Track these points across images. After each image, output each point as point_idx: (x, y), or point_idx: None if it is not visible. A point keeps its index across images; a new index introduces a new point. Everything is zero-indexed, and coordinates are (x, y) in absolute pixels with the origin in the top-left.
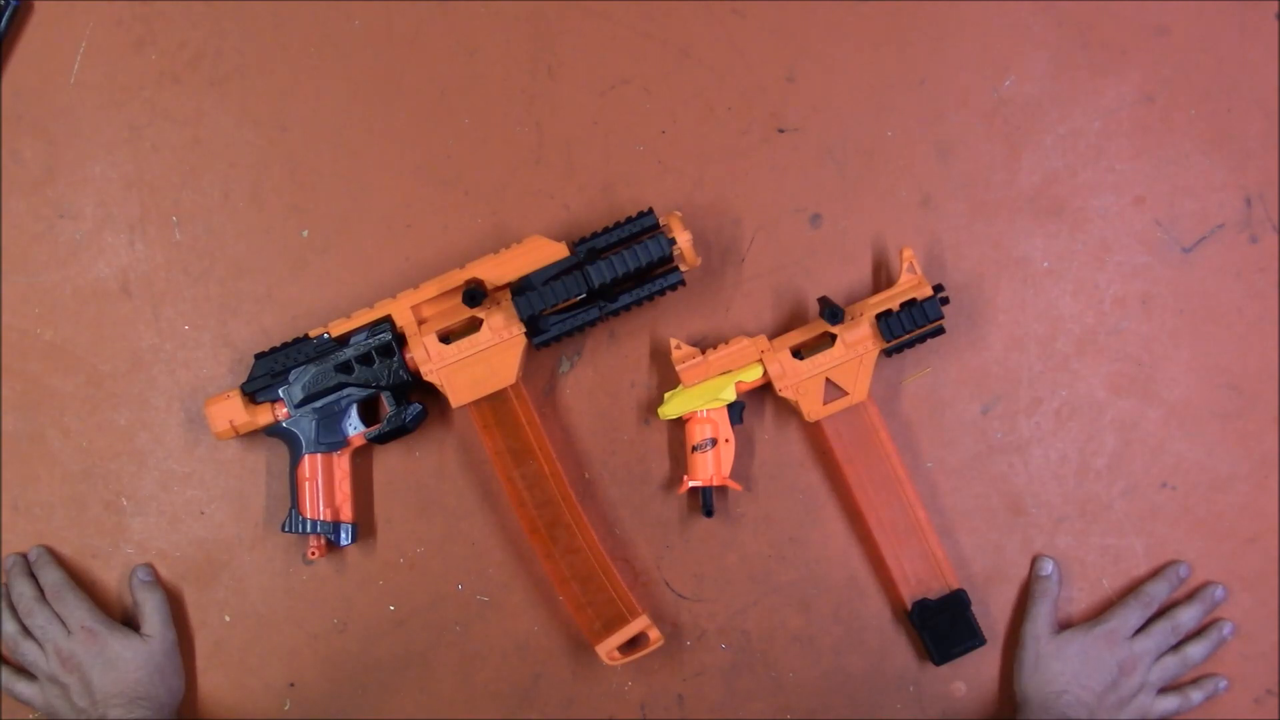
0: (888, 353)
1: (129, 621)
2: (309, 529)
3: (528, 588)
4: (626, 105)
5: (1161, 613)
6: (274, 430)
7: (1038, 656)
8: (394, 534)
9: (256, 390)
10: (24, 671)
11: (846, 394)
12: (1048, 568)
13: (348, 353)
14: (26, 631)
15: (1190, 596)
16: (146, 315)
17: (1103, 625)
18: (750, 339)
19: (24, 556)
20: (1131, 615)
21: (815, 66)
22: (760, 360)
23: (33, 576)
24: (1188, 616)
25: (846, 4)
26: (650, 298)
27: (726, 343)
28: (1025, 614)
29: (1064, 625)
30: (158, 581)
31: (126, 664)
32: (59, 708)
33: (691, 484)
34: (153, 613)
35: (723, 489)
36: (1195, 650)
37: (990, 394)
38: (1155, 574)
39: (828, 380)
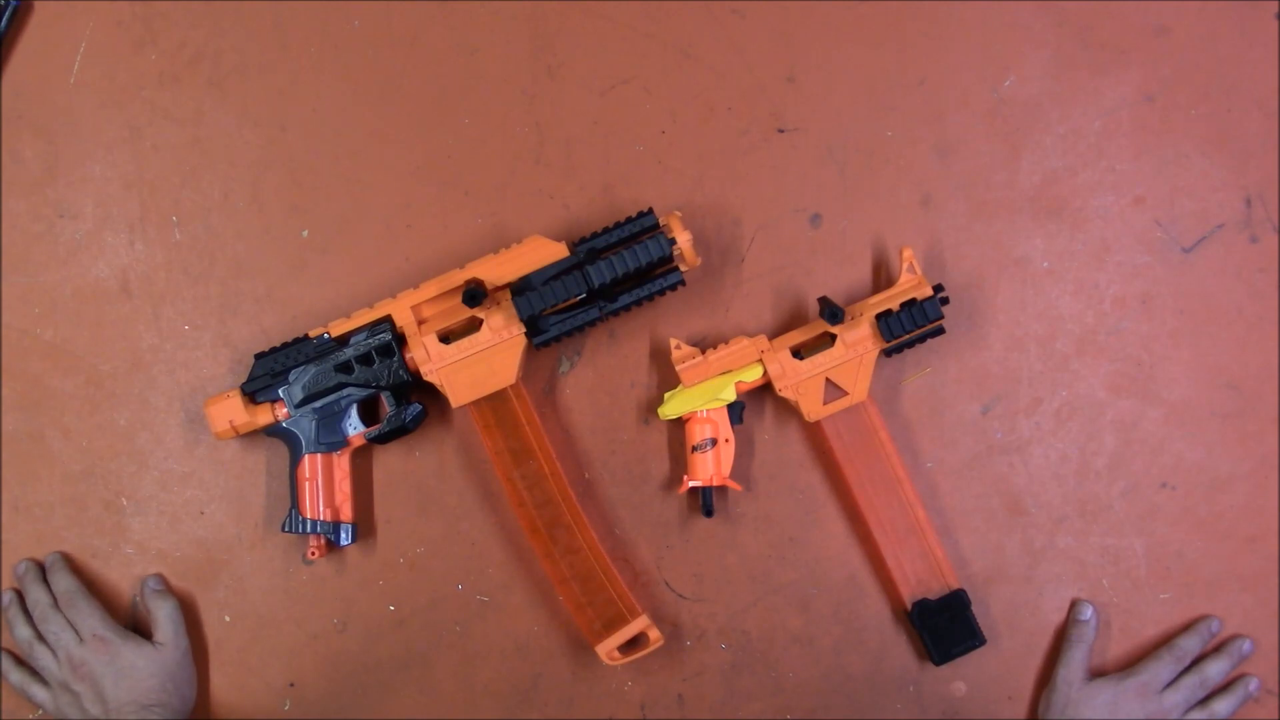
0: (888, 353)
1: (139, 628)
2: (309, 529)
3: (528, 588)
4: (626, 105)
5: (1190, 666)
6: (274, 430)
7: (1068, 701)
8: (394, 534)
9: (256, 390)
10: (38, 675)
11: (846, 394)
12: (1087, 613)
13: (348, 353)
14: (40, 637)
15: (1218, 650)
16: (146, 315)
17: (1135, 678)
18: (750, 339)
19: (37, 562)
20: (1163, 669)
21: (815, 66)
22: (760, 360)
23: (46, 582)
24: (1215, 670)
25: (846, 4)
26: (650, 298)
27: (726, 343)
28: (1059, 657)
29: (1095, 671)
30: (169, 590)
31: (139, 672)
32: (71, 714)
33: (691, 484)
34: (165, 621)
35: (723, 489)
36: (1222, 705)
37: (990, 394)
38: (1188, 628)
39: (828, 380)
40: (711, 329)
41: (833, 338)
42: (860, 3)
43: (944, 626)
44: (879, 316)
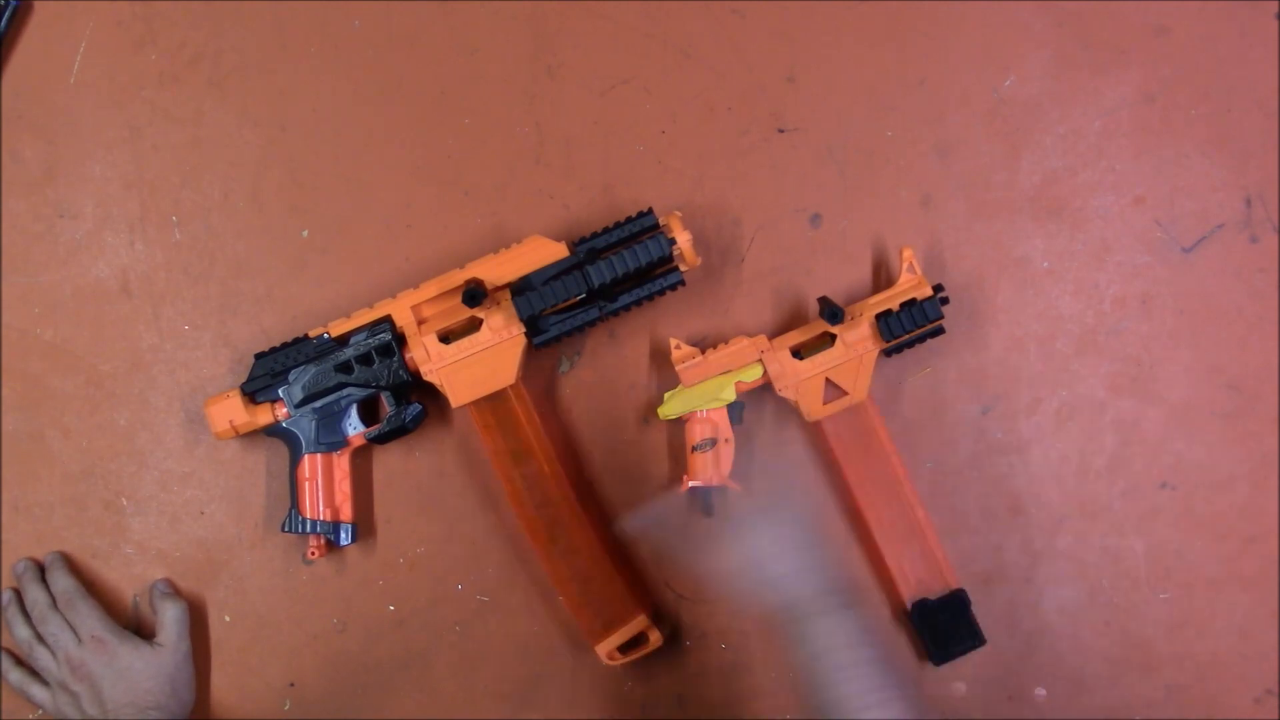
0: (888, 353)
1: (139, 629)
2: (309, 529)
3: (528, 588)
4: (626, 105)
5: None
6: (274, 430)
7: None
8: (394, 534)
9: (256, 390)
10: (37, 675)
11: (846, 394)
12: None
13: (348, 353)
14: (39, 638)
15: None
16: (146, 315)
17: None
18: (750, 339)
19: (36, 562)
20: None
21: (815, 66)
22: (760, 360)
23: (45, 582)
24: None
25: (846, 4)
26: (650, 298)
27: (726, 343)
28: None
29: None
30: (177, 594)
31: (138, 674)
32: (70, 714)
33: (691, 484)
34: (170, 624)
35: (723, 489)
36: None
37: (990, 394)
38: None
39: (828, 380)
40: (711, 329)
41: (833, 338)
42: (860, 3)
43: (944, 626)
44: (879, 316)
